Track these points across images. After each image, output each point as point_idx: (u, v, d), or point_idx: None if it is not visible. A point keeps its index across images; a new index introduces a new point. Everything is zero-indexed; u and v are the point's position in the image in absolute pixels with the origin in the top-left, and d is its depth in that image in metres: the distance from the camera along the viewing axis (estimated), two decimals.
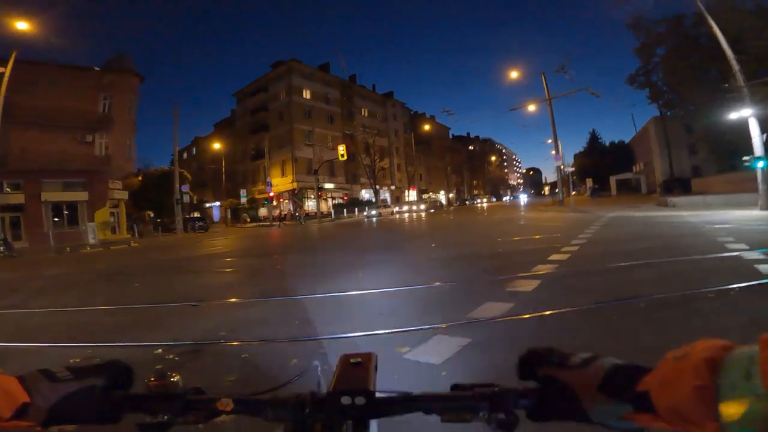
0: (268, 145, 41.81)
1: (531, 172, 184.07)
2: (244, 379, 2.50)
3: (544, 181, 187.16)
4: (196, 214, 50.93)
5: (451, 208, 52.15)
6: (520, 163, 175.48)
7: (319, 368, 0.70)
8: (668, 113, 37.31)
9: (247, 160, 47.03)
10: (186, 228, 30.33)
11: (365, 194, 49.70)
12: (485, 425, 0.44)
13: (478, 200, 71.63)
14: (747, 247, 5.83)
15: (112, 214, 26.83)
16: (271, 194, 34.67)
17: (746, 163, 15.18)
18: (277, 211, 38.40)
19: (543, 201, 57.94)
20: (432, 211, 41.03)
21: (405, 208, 43.94)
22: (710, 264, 5.14)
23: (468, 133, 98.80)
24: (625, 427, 0.38)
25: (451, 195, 74.18)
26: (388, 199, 54.29)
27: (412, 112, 67.80)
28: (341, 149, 30.80)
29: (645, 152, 50.95)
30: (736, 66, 15.12)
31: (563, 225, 13.01)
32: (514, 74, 26.53)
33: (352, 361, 0.56)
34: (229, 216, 43.41)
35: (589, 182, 57.00)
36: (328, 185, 44.04)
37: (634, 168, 56.23)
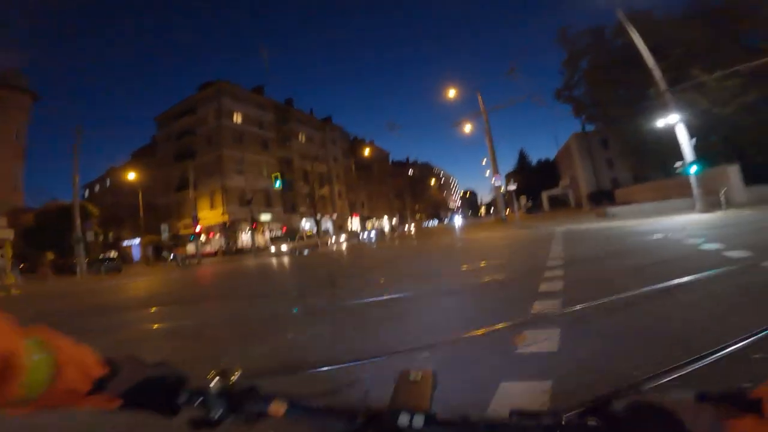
0: (195, 175, 37.95)
1: (468, 194, 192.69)
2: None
3: (480, 202, 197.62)
4: (112, 254, 45.24)
5: (395, 233, 51.36)
6: (457, 185, 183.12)
7: (368, 381, 0.57)
8: (591, 128, 40.13)
9: (170, 192, 42.30)
10: (93, 269, 25.67)
11: (305, 224, 47.05)
12: None
13: (411, 224, 70.95)
14: (750, 252, 4.88)
15: None
16: (198, 229, 30.88)
17: (678, 169, 15.68)
18: (185, 248, 34.43)
19: (482, 221, 59.55)
20: (373, 239, 38.96)
21: (342, 237, 41.16)
22: (753, 277, 4.00)
23: (407, 158, 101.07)
24: None
25: (394, 220, 73.80)
26: (330, 228, 52.06)
27: (351, 138, 67.26)
28: (277, 177, 28.54)
29: (568, 167, 54.70)
30: (658, 73, 15.73)
31: (521, 244, 12.02)
32: (451, 93, 26.54)
33: (411, 378, 0.54)
34: (150, 254, 38.30)
35: (524, 199, 60.25)
36: (264, 216, 40.88)
37: (560, 183, 60.00)
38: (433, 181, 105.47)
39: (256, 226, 31.90)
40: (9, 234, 23.39)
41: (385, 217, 70.13)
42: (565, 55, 28.23)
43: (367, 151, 55.24)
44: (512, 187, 22.44)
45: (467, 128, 35.04)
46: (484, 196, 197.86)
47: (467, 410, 0.45)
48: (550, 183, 59.50)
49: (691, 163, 14.38)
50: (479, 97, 27.86)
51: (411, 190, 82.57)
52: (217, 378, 0.50)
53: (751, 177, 16.91)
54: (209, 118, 41.68)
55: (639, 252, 7.07)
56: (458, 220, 78.15)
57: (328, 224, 52.77)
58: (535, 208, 47.10)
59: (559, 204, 49.45)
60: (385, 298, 5.66)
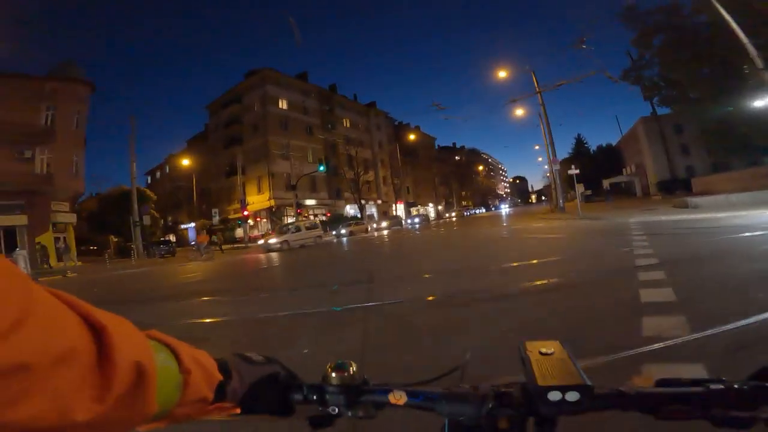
0: (243, 160, 39.01)
1: (518, 181, 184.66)
2: None
3: (530, 189, 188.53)
4: (171, 237, 47.82)
5: (440, 221, 49.77)
6: (506, 172, 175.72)
7: (467, 360, 0.57)
8: (665, 110, 35.92)
9: (221, 177, 43.90)
10: (149, 253, 27.07)
11: (350, 210, 46.95)
12: (707, 424, 0.39)
13: (453, 212, 66.56)
14: None
15: (57, 239, 23.46)
16: (246, 213, 31.65)
17: None
18: (208, 235, 35.35)
19: (533, 209, 56.10)
20: (417, 226, 37.57)
21: (384, 224, 39.63)
22: None
23: (454, 143, 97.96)
24: None
25: (440, 207, 72.01)
26: (375, 214, 51.64)
27: (396, 123, 65.99)
28: (321, 161, 28.37)
29: (634, 154, 49.72)
30: (752, 49, 13.23)
31: (590, 237, 10.50)
32: (502, 73, 24.50)
33: (542, 351, 0.47)
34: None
35: (581, 187, 55.76)
36: (310, 201, 41.20)
37: (623, 171, 54.93)
38: (480, 167, 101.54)
39: (300, 211, 32.04)
40: (72, 218, 25.07)
41: (431, 204, 68.57)
42: (630, 34, 25.11)
43: (412, 137, 54.03)
44: (574, 171, 20.23)
45: (520, 112, 32.70)
46: (535, 184, 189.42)
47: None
48: (611, 170, 54.55)
49: None
50: (533, 77, 25.46)
51: (458, 176, 79.89)
52: (332, 372, 0.48)
53: None
54: (255, 105, 42.36)
55: (758, 253, 5.51)
56: (505, 209, 74.12)
57: (372, 210, 52.38)
58: (594, 196, 43.39)
59: (622, 193, 45.13)
60: (429, 300, 4.74)
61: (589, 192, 46.14)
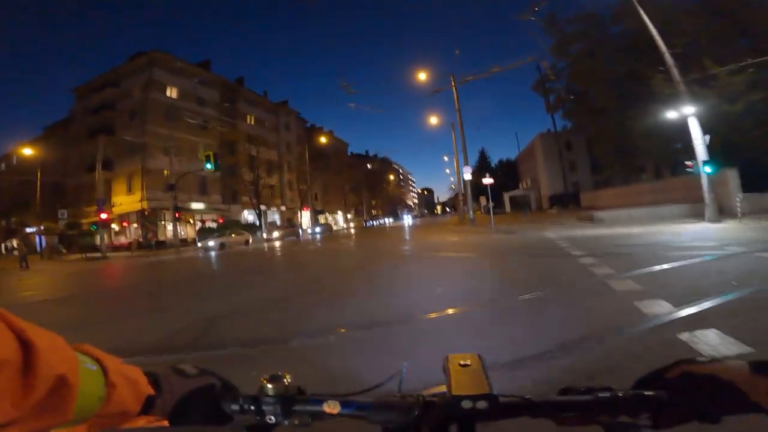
0: (114, 154, 31.92)
1: (425, 192, 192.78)
2: None
3: (436, 201, 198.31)
4: (14, 242, 38.65)
5: (345, 231, 47.33)
6: (415, 183, 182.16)
7: (404, 370, 0.61)
8: (563, 125, 38.44)
9: (81, 172, 35.31)
10: None
11: (249, 216, 41.78)
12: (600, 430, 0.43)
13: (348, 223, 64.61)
14: None
15: None
16: (105, 216, 25.08)
17: (690, 169, 13.36)
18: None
19: (439, 220, 57.13)
20: (318, 237, 33.12)
21: (276, 234, 34.13)
22: None
23: (367, 151, 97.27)
24: None
25: (349, 215, 69.77)
26: (278, 221, 47.05)
27: (308, 125, 62.19)
28: (208, 157, 23.72)
29: (530, 169, 53.70)
30: (670, 59, 13.33)
31: (526, 261, 8.77)
32: (422, 76, 23.18)
33: (461, 363, 0.52)
34: (52, 245, 31.62)
35: (483, 200, 58.67)
36: (197, 205, 35.28)
37: (520, 185, 59.14)
38: (391, 177, 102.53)
39: (180, 215, 26.60)
40: None
41: (340, 212, 65.92)
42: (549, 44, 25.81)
43: (323, 140, 50.92)
44: (488, 180, 19.38)
45: (434, 120, 32.14)
46: (441, 195, 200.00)
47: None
48: (509, 185, 58.38)
49: (706, 163, 11.93)
50: (452, 80, 24.68)
51: (369, 184, 78.78)
52: (268, 383, 0.49)
53: (748, 183, 15.16)
54: (135, 91, 35.27)
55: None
56: (408, 219, 71.60)
57: (275, 216, 47.69)
58: (496, 208, 45.32)
59: (519, 206, 48.11)
60: None
61: (493, 204, 48.50)
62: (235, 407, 0.48)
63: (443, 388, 0.50)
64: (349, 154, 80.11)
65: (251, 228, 35.63)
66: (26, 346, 0.31)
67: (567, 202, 33.27)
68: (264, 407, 0.48)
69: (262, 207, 43.28)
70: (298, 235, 35.13)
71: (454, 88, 24.68)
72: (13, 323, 0.31)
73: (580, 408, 0.43)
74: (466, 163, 24.16)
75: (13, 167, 44.07)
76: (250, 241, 28.32)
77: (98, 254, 25.59)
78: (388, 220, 74.35)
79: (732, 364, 0.41)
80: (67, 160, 38.02)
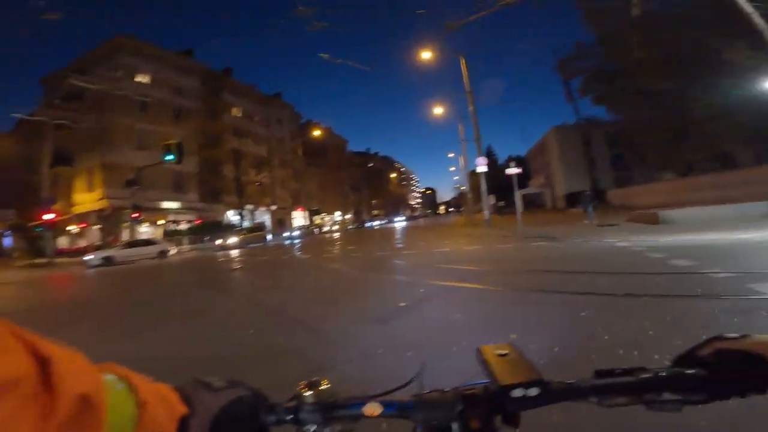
0: (75, 147, 28.10)
1: (428, 192, 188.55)
2: None
3: (439, 200, 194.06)
4: None
5: (338, 233, 43.20)
6: (417, 182, 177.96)
7: (421, 367, 0.58)
8: (591, 115, 33.74)
9: (43, 167, 31.44)
10: None
11: (234, 216, 37.75)
12: (642, 408, 0.44)
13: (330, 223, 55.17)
14: None
15: None
16: (51, 216, 21.23)
17: None
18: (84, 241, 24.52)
19: (441, 221, 52.78)
20: (295, 242, 25.33)
21: (233, 240, 25.84)
22: None
23: (368, 149, 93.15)
24: None
25: (348, 215, 65.76)
26: (268, 222, 43.06)
27: (304, 120, 58.19)
28: (169, 147, 19.85)
29: (543, 165, 49.36)
30: (760, 21, 9.40)
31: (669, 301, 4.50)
32: (426, 54, 19.04)
33: (497, 352, 0.50)
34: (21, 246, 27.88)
35: (492, 199, 54.22)
36: (169, 204, 31.29)
37: (529, 183, 54.73)
38: (393, 175, 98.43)
39: (140, 215, 22.63)
40: None
41: (338, 212, 61.87)
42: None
43: (317, 132, 46.88)
44: (514, 170, 15.10)
45: (439, 110, 28.18)
46: (444, 195, 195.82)
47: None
48: (520, 183, 53.89)
49: None
50: (462, 62, 20.55)
51: (369, 182, 74.82)
52: (306, 391, 0.47)
53: None
54: (99, 79, 31.41)
55: None
56: (401, 222, 60.74)
57: (265, 217, 43.71)
58: (506, 207, 41.04)
59: (533, 205, 43.76)
60: None
61: (502, 203, 44.14)
62: (271, 419, 0.46)
63: (474, 381, 0.48)
64: (348, 151, 76.13)
65: (229, 229, 31.57)
66: (42, 363, 0.27)
67: (589, 199, 28.82)
68: (303, 416, 0.46)
69: (249, 206, 39.34)
70: (265, 240, 29.11)
71: (463, 66, 20.59)
72: (24, 337, 0.27)
73: (623, 389, 0.44)
74: (480, 153, 19.99)
75: None
76: (170, 251, 21.50)
77: (42, 260, 21.67)
78: (394, 219, 68.36)
79: (764, 339, 0.41)
80: (32, 155, 34.33)
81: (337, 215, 62.12)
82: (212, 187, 35.10)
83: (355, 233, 32.14)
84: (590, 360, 2.51)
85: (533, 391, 0.43)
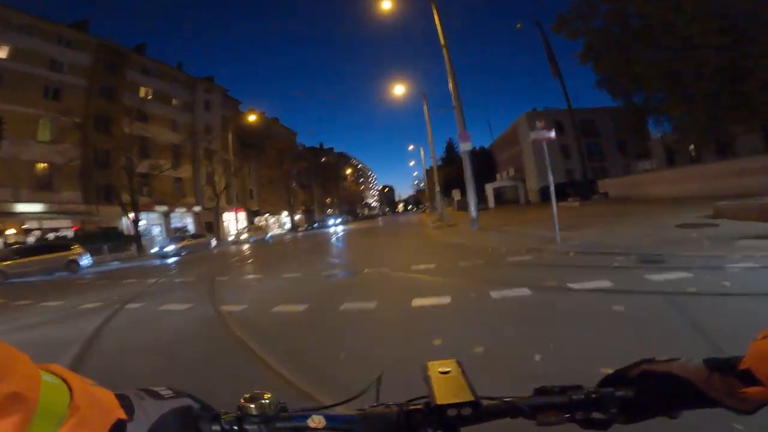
0: None
1: (386, 190, 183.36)
2: None
3: (398, 198, 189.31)
4: None
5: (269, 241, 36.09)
6: (375, 180, 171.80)
7: (378, 378, 0.60)
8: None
9: None
10: None
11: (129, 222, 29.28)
12: (577, 427, 0.47)
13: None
14: None
15: None
16: None
17: None
18: None
19: (400, 219, 46.89)
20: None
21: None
22: None
23: (321, 144, 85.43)
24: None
25: (297, 216, 58.22)
26: (191, 227, 34.92)
27: (240, 105, 49.80)
28: None
29: (512, 157, 45.02)
30: None
31: None
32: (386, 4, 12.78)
33: (441, 370, 0.53)
34: None
35: (456, 194, 48.98)
36: (28, 207, 22.70)
37: (497, 176, 50.39)
38: (349, 171, 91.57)
39: None
40: None
41: (285, 212, 54.21)
42: None
43: (252, 118, 39.12)
44: (546, 134, 8.76)
45: (400, 89, 22.42)
46: (402, 193, 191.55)
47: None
48: (486, 176, 49.30)
49: None
50: (434, 11, 14.43)
51: (322, 179, 67.48)
52: (248, 403, 0.48)
53: None
54: None
55: None
56: (335, 226, 45.32)
57: (187, 221, 35.50)
58: (480, 203, 35.80)
59: (502, 199, 39.00)
60: None
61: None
62: (216, 428, 0.46)
63: (424, 396, 0.50)
64: (299, 145, 68.22)
65: (125, 239, 23.50)
66: None
67: (580, 191, 24.16)
68: (247, 427, 0.47)
69: (161, 208, 31.10)
70: (67, 269, 17.08)
71: (436, 16, 14.53)
72: None
73: (557, 407, 0.46)
74: (463, 127, 14.05)
75: None
76: None
77: None
78: (339, 221, 51.76)
79: (688, 363, 0.44)
80: None
81: (285, 216, 54.48)
82: (104, 184, 26.54)
83: (281, 247, 21.54)
84: None
85: (466, 411, 0.45)
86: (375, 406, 0.50)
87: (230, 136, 35.45)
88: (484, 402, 0.47)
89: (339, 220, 51.58)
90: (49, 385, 0.34)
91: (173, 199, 32.86)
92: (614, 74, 17.60)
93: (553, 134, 7.91)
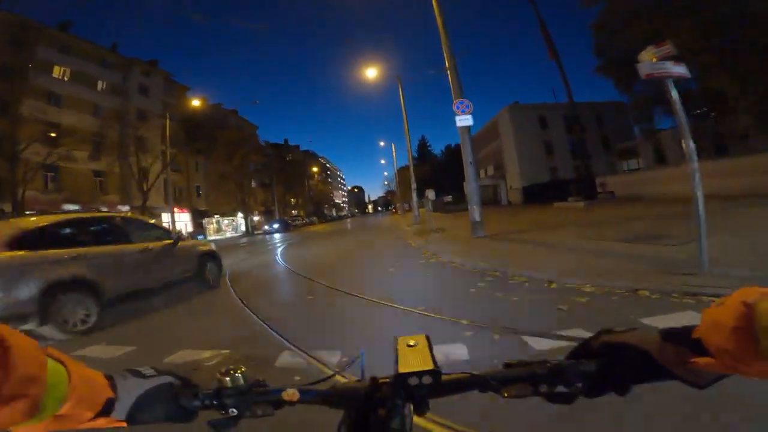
0: None
1: (355, 190, 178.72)
2: None
3: (367, 199, 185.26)
4: None
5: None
6: (344, 180, 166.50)
7: (364, 355, 0.64)
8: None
9: None
10: None
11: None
12: (542, 400, 0.47)
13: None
14: None
15: None
16: None
17: None
18: None
19: (370, 221, 42.75)
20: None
21: None
22: None
23: (286, 140, 79.59)
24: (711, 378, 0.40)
25: (256, 218, 52.61)
26: None
27: (190, 93, 43.57)
28: None
29: (491, 154, 41.75)
30: None
31: None
32: None
33: (409, 343, 0.55)
34: None
35: (431, 194, 45.14)
36: None
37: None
38: (315, 169, 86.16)
39: None
40: None
41: (240, 213, 48.48)
42: None
43: (196, 103, 33.38)
44: (671, 68, 4.40)
45: (372, 72, 18.63)
46: (372, 194, 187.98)
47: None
48: (460, 175, 45.65)
49: None
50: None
51: (286, 178, 61.98)
52: (227, 377, 0.52)
53: None
54: None
55: None
56: (276, 229, 38.11)
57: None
58: (452, 204, 32.18)
59: (483, 201, 35.49)
60: None
61: (449, 198, 35.43)
62: (196, 403, 0.50)
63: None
64: (262, 142, 62.34)
65: None
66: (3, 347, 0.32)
67: (582, 190, 20.84)
68: (225, 400, 0.50)
69: (70, 206, 25.05)
70: None
71: None
72: None
73: (522, 380, 0.47)
74: (459, 95, 9.93)
75: None
76: None
77: None
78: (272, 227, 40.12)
79: (647, 333, 0.43)
80: None
81: (240, 217, 48.75)
82: None
83: (235, 248, 18.60)
84: None
85: (427, 379, 0.47)
86: (357, 381, 0.53)
87: (167, 122, 29.89)
88: (445, 374, 0.48)
89: (276, 226, 39.70)
90: (53, 367, 0.38)
91: (90, 196, 26.86)
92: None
93: (683, 69, 3.91)
